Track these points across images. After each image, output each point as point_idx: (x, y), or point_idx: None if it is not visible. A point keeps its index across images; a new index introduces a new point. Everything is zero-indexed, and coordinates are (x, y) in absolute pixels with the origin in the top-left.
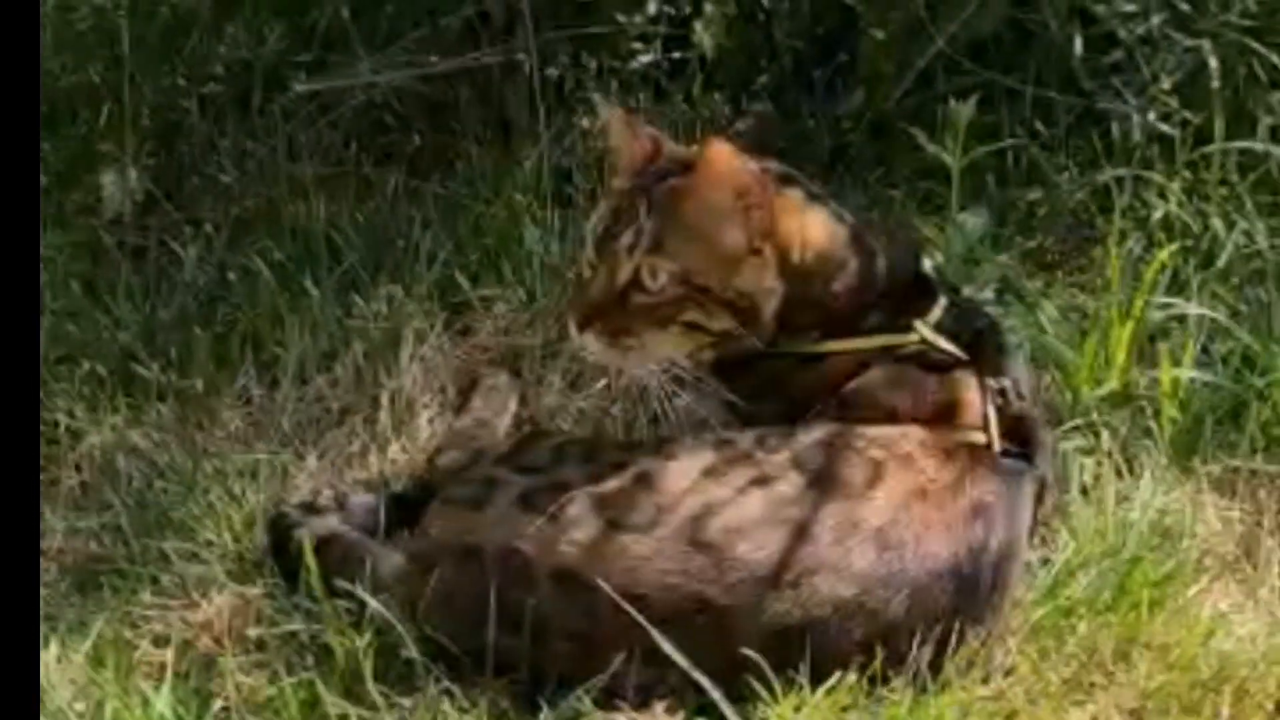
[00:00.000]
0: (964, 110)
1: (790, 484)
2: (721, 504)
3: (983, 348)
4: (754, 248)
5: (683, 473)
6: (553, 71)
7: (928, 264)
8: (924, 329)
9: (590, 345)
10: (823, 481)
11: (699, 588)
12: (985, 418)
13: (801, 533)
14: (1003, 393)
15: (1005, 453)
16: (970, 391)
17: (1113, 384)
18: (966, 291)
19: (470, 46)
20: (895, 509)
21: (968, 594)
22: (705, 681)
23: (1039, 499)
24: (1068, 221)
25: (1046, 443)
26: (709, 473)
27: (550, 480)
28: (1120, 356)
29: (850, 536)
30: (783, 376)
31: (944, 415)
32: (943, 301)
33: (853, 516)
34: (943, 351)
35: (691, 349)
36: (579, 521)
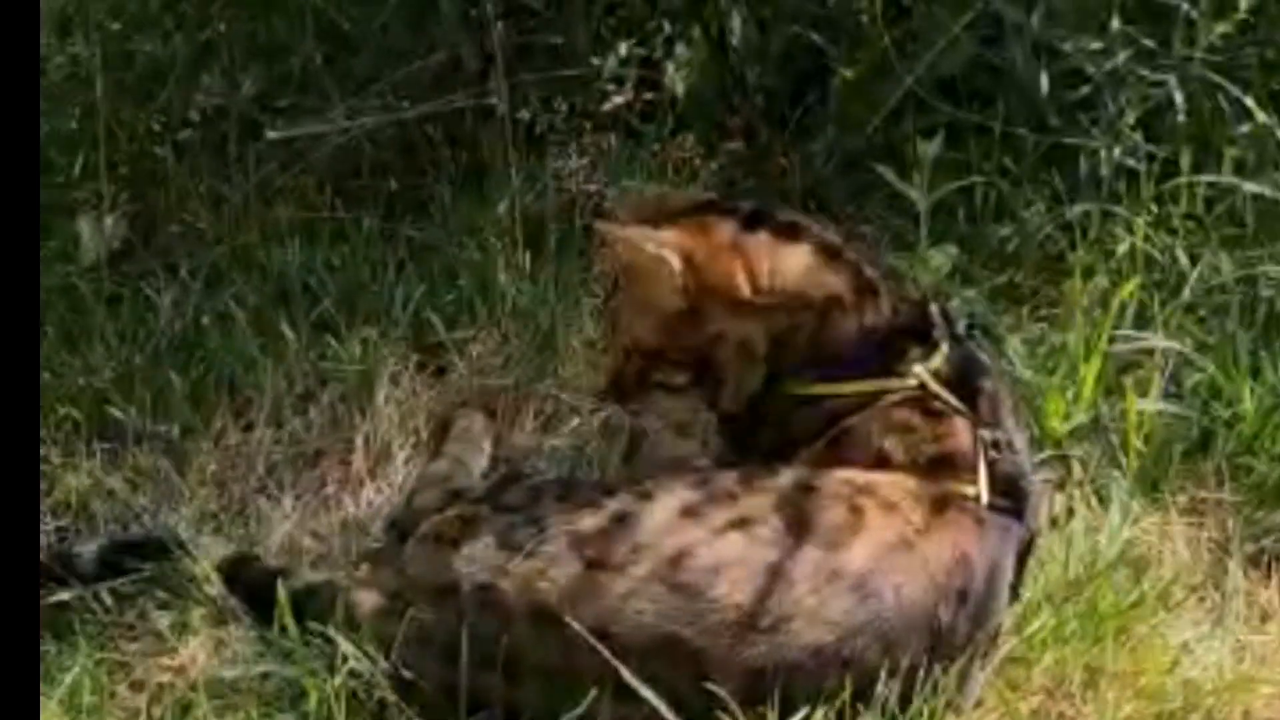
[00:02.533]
0: (929, 147)
1: (770, 527)
2: (699, 545)
3: (980, 397)
4: (688, 305)
5: (662, 512)
6: (525, 115)
7: (934, 308)
8: (924, 374)
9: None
10: (803, 526)
11: (674, 628)
12: (976, 469)
13: (779, 577)
14: (996, 445)
15: (994, 507)
16: (964, 442)
17: (1081, 417)
18: None
19: (444, 91)
20: (876, 558)
21: (942, 645)
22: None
23: (1025, 555)
24: (1036, 256)
25: (1037, 498)
26: (688, 513)
27: (528, 518)
28: (1088, 389)
29: (829, 584)
30: (780, 418)
31: (936, 464)
32: (945, 348)
33: (832, 563)
34: (940, 399)
35: (689, 406)
36: (556, 559)
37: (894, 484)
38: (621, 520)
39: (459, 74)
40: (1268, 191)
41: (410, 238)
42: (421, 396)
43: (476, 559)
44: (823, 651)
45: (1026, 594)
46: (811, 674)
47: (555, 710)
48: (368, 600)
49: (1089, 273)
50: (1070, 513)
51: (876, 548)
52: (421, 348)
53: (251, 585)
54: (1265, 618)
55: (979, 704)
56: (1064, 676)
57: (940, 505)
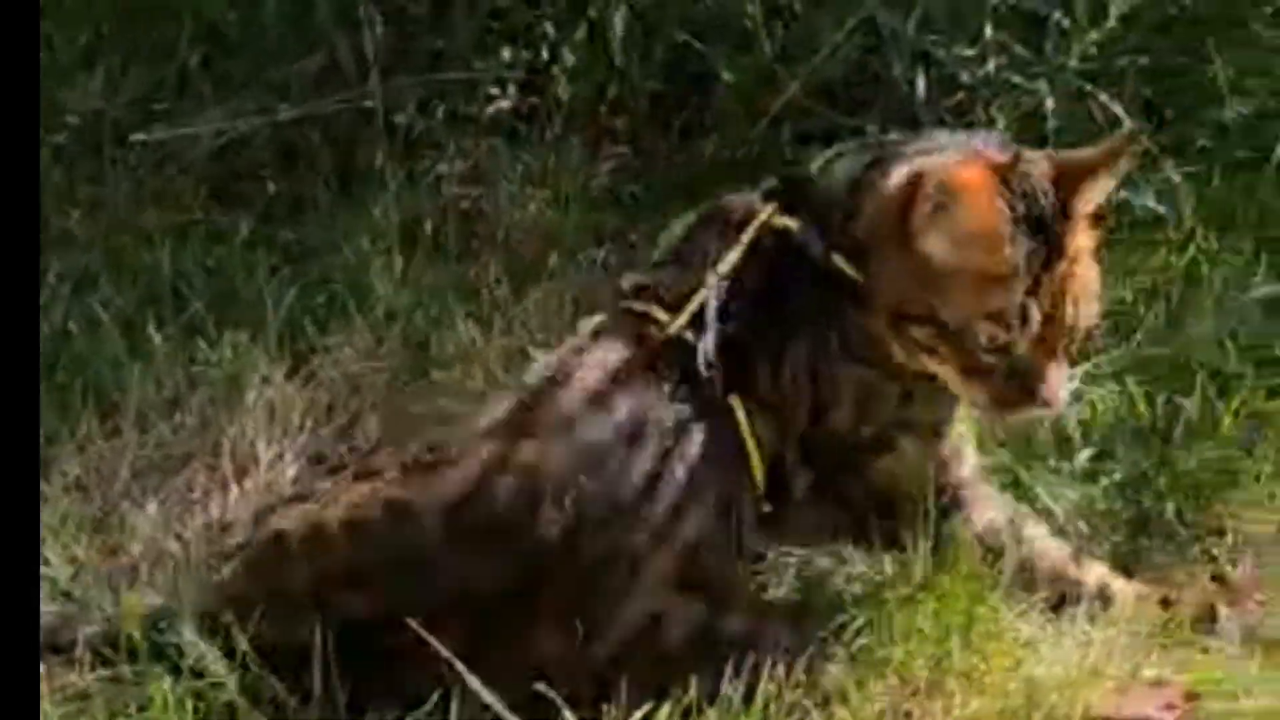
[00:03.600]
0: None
1: None
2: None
3: None
4: None
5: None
6: (401, 119)
7: None
8: None
9: None
10: None
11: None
12: None
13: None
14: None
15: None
16: None
17: None
18: None
19: (324, 93)
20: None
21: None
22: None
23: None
24: None
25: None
26: None
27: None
28: None
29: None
30: None
31: None
32: None
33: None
34: None
35: None
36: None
37: None
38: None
39: (339, 76)
40: (1133, 198)
41: (287, 241)
42: (291, 400)
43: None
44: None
45: (882, 589)
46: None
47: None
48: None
49: None
50: (926, 510)
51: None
52: (294, 352)
53: None
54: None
55: (825, 701)
56: (911, 674)
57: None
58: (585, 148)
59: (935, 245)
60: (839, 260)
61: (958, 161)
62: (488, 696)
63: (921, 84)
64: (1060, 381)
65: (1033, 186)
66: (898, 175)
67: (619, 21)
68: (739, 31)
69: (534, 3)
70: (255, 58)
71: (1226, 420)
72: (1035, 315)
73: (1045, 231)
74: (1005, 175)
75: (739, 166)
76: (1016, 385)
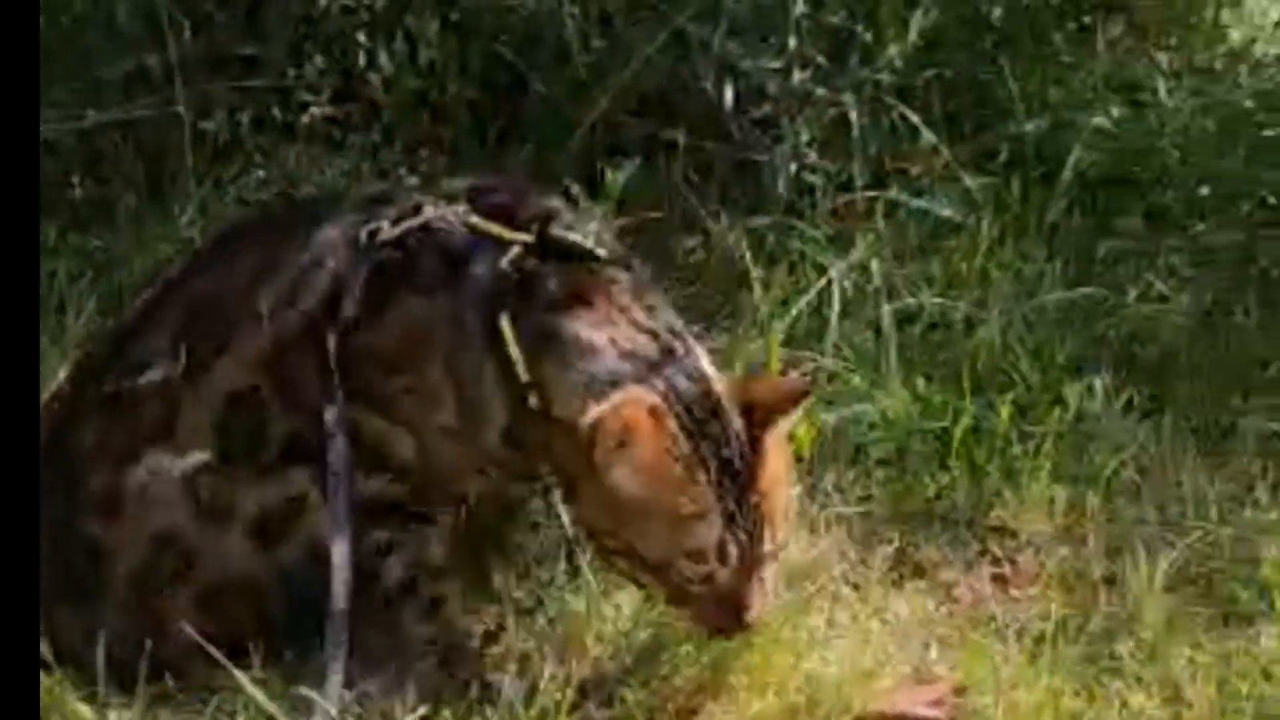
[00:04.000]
0: (619, 176)
1: None
2: None
3: None
4: None
5: None
6: (209, 125)
7: None
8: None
9: None
10: None
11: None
12: None
13: None
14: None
15: None
16: None
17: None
18: None
19: (133, 98)
20: None
21: None
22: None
23: None
24: (724, 269)
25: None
26: None
27: None
28: None
29: None
30: None
31: None
32: None
33: None
34: None
35: None
36: None
37: None
38: None
39: (148, 82)
40: (932, 207)
41: (94, 247)
42: None
43: None
44: None
45: None
46: None
47: None
48: None
49: (767, 285)
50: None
51: None
52: None
53: None
54: (895, 617)
55: (611, 702)
56: (698, 674)
57: None
58: (400, 154)
59: (623, 483)
60: (516, 357)
61: (638, 399)
62: (264, 702)
63: (729, 94)
64: (763, 598)
65: (722, 421)
66: (590, 411)
67: (433, 30)
68: (555, 42)
69: (349, 10)
70: (62, 62)
71: (1007, 422)
72: (734, 551)
73: (735, 466)
74: (690, 409)
75: (554, 175)
76: (723, 610)
